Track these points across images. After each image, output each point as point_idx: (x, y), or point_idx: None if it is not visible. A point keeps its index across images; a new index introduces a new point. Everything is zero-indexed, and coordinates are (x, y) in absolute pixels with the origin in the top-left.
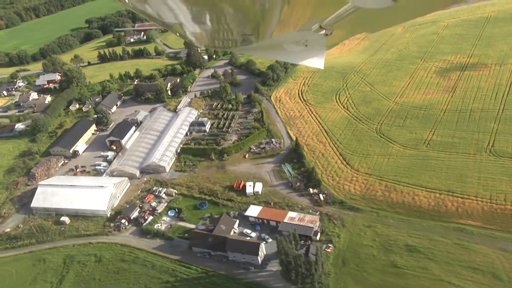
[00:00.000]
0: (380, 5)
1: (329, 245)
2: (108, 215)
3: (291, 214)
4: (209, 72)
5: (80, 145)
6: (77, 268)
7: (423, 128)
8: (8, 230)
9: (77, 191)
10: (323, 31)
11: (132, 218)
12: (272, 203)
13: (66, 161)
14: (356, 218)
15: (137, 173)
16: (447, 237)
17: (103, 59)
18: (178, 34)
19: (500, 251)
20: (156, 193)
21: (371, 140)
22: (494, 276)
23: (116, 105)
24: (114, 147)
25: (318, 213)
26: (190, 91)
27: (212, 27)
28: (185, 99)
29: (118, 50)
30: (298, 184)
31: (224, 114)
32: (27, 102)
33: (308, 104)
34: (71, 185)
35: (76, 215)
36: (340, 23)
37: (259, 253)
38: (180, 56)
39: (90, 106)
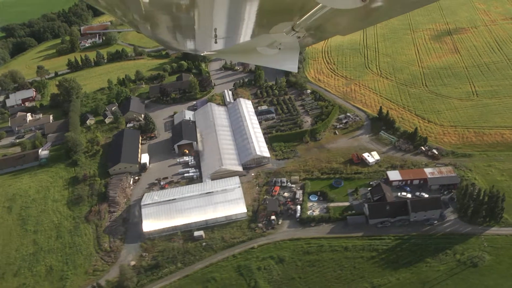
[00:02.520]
0: (349, 6)
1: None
2: (247, 217)
3: (427, 170)
4: (216, 65)
5: (144, 157)
6: (262, 275)
7: (462, 83)
8: (133, 263)
9: (200, 201)
10: (296, 34)
11: (278, 212)
12: (398, 166)
13: (137, 177)
14: (474, 162)
15: (241, 170)
16: None
17: (74, 67)
18: (149, 36)
19: None
20: (279, 184)
21: (429, 100)
22: None
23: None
24: (187, 151)
25: (448, 164)
26: (215, 85)
27: (184, 30)
28: (225, 93)
29: (77, 56)
30: (406, 145)
31: (277, 100)
32: (24, 126)
33: (350, 79)
34: (185, 197)
35: (206, 227)
36: (312, 26)
37: (442, 206)
38: (166, 53)
39: (113, 116)
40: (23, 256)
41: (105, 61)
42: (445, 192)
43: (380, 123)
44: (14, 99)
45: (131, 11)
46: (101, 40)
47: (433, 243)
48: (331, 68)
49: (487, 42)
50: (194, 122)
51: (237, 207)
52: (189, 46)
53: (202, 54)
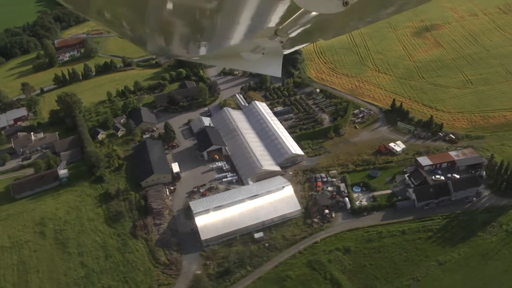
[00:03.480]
0: (332, 10)
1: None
2: (301, 214)
3: (451, 153)
4: (213, 71)
5: (175, 166)
6: (335, 267)
7: (454, 73)
8: (198, 272)
9: (252, 203)
10: (279, 39)
11: (329, 206)
12: (424, 152)
13: (172, 188)
14: (488, 142)
15: (279, 170)
16: None
17: (61, 82)
18: (131, 40)
19: None
20: (320, 179)
21: (430, 90)
22: None
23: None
24: (217, 157)
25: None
26: (221, 90)
27: (166, 35)
28: (237, 97)
29: (57, 71)
30: (424, 133)
31: (289, 100)
32: (29, 146)
33: (351, 76)
34: (235, 201)
35: (263, 228)
36: (295, 30)
37: (479, 184)
38: (156, 62)
39: (125, 129)
40: (75, 280)
41: (94, 73)
42: (472, 172)
43: (394, 115)
44: (5, 119)
45: (118, 14)
46: (79, 53)
47: (478, 218)
48: (330, 67)
49: (464, 36)
50: (215, 127)
51: (291, 205)
52: (173, 51)
53: (185, 60)
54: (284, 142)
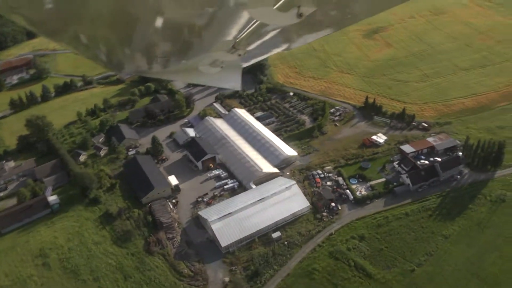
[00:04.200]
0: (285, 23)
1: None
2: (309, 210)
3: (429, 139)
4: (179, 82)
5: (172, 179)
6: (355, 254)
7: (410, 69)
8: (227, 279)
9: (262, 205)
10: (237, 52)
11: (333, 199)
12: (404, 141)
13: (174, 200)
14: (455, 127)
15: (278, 171)
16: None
17: (19, 106)
18: (90, 58)
19: None
20: (318, 176)
21: (394, 85)
22: None
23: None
24: (212, 165)
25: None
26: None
27: (122, 50)
28: (215, 106)
29: (7, 96)
30: (400, 124)
31: (266, 105)
32: (3, 176)
33: (318, 78)
34: (246, 206)
35: (277, 228)
36: (253, 43)
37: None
38: (117, 78)
39: (107, 148)
40: None
41: (53, 95)
42: (449, 154)
43: (369, 111)
44: None
45: (68, 26)
46: (29, 75)
47: (465, 193)
48: (296, 71)
49: (409, 36)
50: (203, 137)
51: (300, 203)
52: (131, 67)
53: (145, 75)
54: (276, 144)
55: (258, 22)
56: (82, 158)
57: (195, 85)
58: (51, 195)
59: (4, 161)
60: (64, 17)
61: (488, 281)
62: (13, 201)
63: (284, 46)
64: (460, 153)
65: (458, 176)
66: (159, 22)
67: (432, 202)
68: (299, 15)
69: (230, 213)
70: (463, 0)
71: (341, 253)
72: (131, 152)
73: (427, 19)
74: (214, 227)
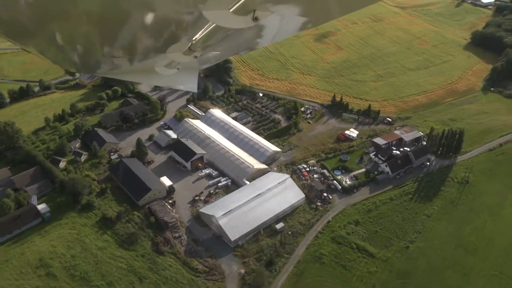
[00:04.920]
0: (241, 26)
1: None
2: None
3: (397, 132)
4: (145, 86)
5: (165, 180)
6: (355, 237)
7: (364, 70)
8: (242, 271)
9: (262, 199)
10: (193, 54)
11: (324, 190)
12: (374, 135)
13: (171, 201)
14: (415, 121)
15: (266, 167)
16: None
17: None
18: (47, 58)
19: None
20: (303, 170)
21: (354, 85)
22: None
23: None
24: (200, 165)
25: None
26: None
27: (78, 50)
28: (190, 107)
29: None
30: (367, 120)
31: (238, 106)
32: None
33: (282, 79)
34: (248, 201)
35: (278, 219)
36: (209, 45)
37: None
38: (76, 83)
39: (87, 153)
40: None
41: (8, 101)
42: (416, 144)
43: (336, 108)
44: None
45: (20, 22)
46: None
47: (436, 177)
48: (259, 74)
49: (356, 40)
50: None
51: (296, 194)
52: (84, 67)
53: (103, 76)
54: (260, 142)
55: (215, 24)
56: (62, 164)
57: (161, 88)
58: (38, 204)
59: None
60: (30, 18)
61: (469, 249)
62: None
63: (243, 49)
64: (425, 143)
65: (428, 163)
66: (113, 22)
67: (410, 187)
68: (255, 18)
69: (234, 208)
70: (395, 9)
71: (342, 238)
72: (114, 156)
73: (368, 25)
74: (221, 222)
